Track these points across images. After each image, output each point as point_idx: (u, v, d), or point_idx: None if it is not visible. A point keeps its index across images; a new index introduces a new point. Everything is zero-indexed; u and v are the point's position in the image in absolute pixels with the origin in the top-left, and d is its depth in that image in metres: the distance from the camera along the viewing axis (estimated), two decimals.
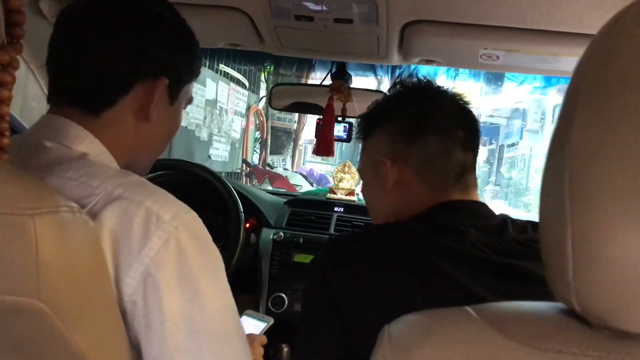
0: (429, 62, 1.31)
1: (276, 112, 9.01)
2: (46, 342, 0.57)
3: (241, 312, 1.66)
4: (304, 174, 7.44)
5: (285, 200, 2.02)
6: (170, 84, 0.82)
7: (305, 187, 6.24)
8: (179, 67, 0.84)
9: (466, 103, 0.96)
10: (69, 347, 0.57)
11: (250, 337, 1.19)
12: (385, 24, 1.12)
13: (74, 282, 0.58)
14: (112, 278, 0.66)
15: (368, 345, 0.72)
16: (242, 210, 1.60)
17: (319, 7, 1.08)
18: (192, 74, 0.89)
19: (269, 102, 1.72)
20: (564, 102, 0.41)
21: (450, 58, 1.29)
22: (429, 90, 0.97)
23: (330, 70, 1.54)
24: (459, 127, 0.92)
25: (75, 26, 0.78)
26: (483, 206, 0.91)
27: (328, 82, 1.54)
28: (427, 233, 0.79)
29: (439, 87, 0.97)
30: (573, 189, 0.38)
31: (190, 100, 0.93)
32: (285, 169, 8.78)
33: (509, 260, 0.80)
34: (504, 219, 0.88)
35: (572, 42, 1.04)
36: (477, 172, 0.93)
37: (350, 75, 1.54)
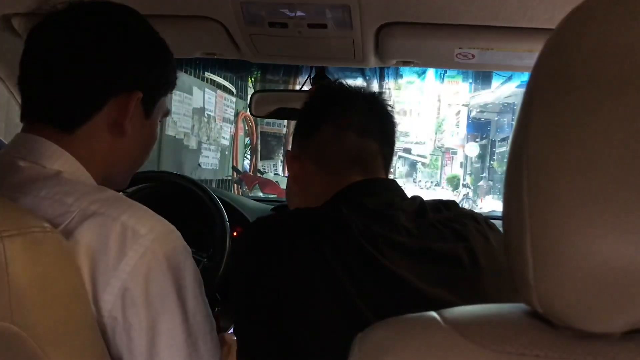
0: (405, 63, 1.31)
1: None
2: None
3: (230, 320, 1.66)
4: None
5: (272, 206, 2.01)
6: (145, 97, 0.82)
7: None
8: (152, 80, 0.84)
9: (374, 95, 0.99)
10: None
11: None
12: (359, 27, 1.12)
13: (48, 303, 0.57)
14: (90, 296, 0.66)
15: (305, 338, 0.72)
16: (227, 219, 1.59)
17: (292, 14, 1.08)
18: (168, 86, 0.89)
19: (250, 109, 1.71)
20: (523, 101, 0.41)
21: (426, 58, 1.30)
22: (332, 89, 1.03)
23: (310, 75, 1.54)
24: (354, 114, 0.95)
25: (45, 44, 0.78)
26: (390, 183, 0.94)
27: (308, 87, 1.54)
28: (357, 220, 0.79)
29: (350, 87, 1.01)
30: (531, 189, 0.38)
31: (167, 113, 0.92)
32: (277, 174, 8.77)
33: (436, 245, 0.80)
34: (420, 201, 0.89)
35: (544, 38, 1.04)
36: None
37: (330, 79, 1.55)
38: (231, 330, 1.55)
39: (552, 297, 0.38)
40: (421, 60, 1.30)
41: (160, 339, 0.69)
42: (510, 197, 0.41)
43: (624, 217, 0.35)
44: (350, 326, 0.67)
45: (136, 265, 0.67)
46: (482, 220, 0.89)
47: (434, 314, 0.44)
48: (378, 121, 0.97)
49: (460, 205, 0.93)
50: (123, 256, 0.67)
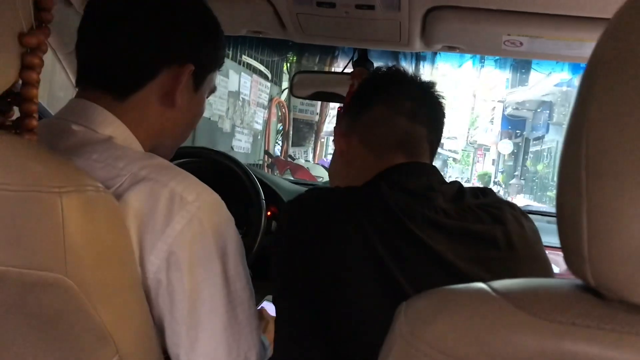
0: (451, 48, 1.30)
1: (298, 104, 9.03)
2: (72, 317, 0.58)
3: (262, 297, 1.68)
4: (326, 165, 7.45)
5: (307, 189, 2.02)
6: (196, 70, 0.83)
7: (326, 178, 6.25)
8: (204, 55, 0.85)
9: (428, 84, 1.00)
10: (94, 322, 0.59)
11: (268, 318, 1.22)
12: (407, 10, 1.11)
13: (99, 260, 0.59)
14: (137, 257, 0.68)
15: (345, 316, 0.73)
16: (263, 198, 1.61)
17: None
18: (217, 62, 0.90)
19: (291, 90, 1.72)
20: (583, 77, 0.41)
21: (473, 45, 1.28)
22: (388, 73, 1.03)
23: (352, 58, 1.54)
24: (407, 99, 0.96)
25: (105, 12, 0.80)
26: (432, 168, 0.95)
27: (350, 70, 1.54)
28: (397, 197, 0.80)
29: (406, 72, 1.02)
30: (589, 161, 0.38)
31: (213, 90, 0.94)
32: (307, 161, 8.80)
33: (474, 226, 0.82)
34: (459, 185, 0.91)
35: (596, 28, 1.02)
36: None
37: (372, 63, 1.54)
38: (262, 305, 1.58)
39: (606, 270, 0.38)
40: (467, 47, 1.29)
41: (201, 304, 0.71)
42: (566, 172, 0.41)
43: None
44: (389, 299, 0.68)
45: (182, 230, 0.69)
46: (517, 208, 0.91)
47: (482, 284, 0.44)
48: (429, 108, 0.98)
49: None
50: (170, 221, 0.69)
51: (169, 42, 0.80)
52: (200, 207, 0.71)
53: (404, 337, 0.44)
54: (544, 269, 0.87)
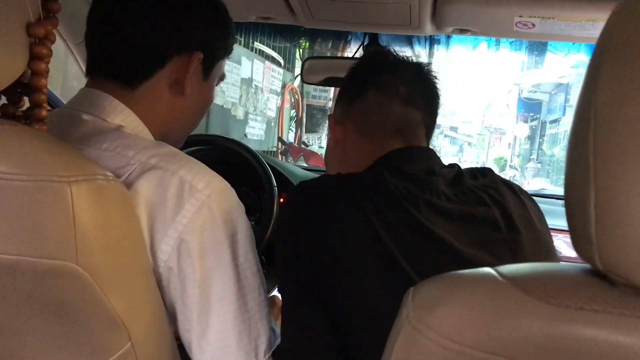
0: (462, 31, 1.28)
1: (311, 90, 8.99)
2: (84, 305, 0.59)
3: (274, 284, 1.69)
4: None
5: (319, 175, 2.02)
6: (205, 58, 0.83)
7: None
8: (213, 42, 0.86)
9: (421, 66, 0.99)
10: (106, 310, 0.60)
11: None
12: None
13: (110, 248, 0.60)
14: (148, 245, 0.69)
15: (349, 307, 0.73)
16: (275, 185, 1.61)
17: None
18: (226, 50, 0.90)
19: (302, 76, 1.71)
20: (591, 59, 0.41)
21: (484, 27, 1.27)
22: (379, 57, 1.02)
23: (363, 43, 1.53)
24: (401, 83, 0.94)
25: (113, 1, 0.80)
26: (430, 151, 0.94)
27: (360, 55, 1.53)
28: (398, 182, 0.80)
29: (397, 55, 1.00)
30: (597, 145, 0.38)
31: (222, 77, 0.94)
32: (321, 147, 8.77)
33: (474, 209, 0.81)
34: (458, 168, 0.90)
35: (609, 8, 1.00)
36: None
37: (384, 47, 1.53)
38: (275, 292, 1.59)
39: (614, 254, 0.38)
40: (479, 29, 1.27)
41: (212, 291, 0.72)
42: (574, 155, 0.41)
43: None
44: (393, 285, 0.68)
45: (193, 218, 0.70)
46: (516, 187, 0.90)
47: (489, 269, 0.44)
48: (423, 91, 0.97)
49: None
50: (180, 209, 0.69)
51: (178, 31, 0.80)
52: (210, 194, 0.71)
53: (411, 322, 0.44)
54: (547, 250, 0.86)
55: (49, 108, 0.64)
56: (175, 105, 0.84)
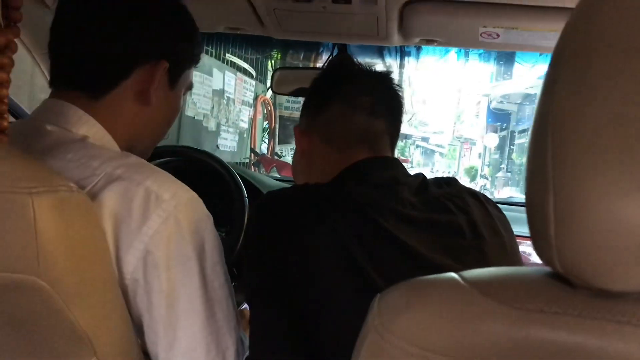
0: (429, 42, 1.30)
1: (284, 101, 8.99)
2: (47, 319, 0.58)
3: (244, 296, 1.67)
4: None
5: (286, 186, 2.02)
6: (171, 68, 0.83)
7: None
8: (179, 52, 0.85)
9: (384, 75, 1.00)
10: (69, 324, 0.59)
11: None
12: (383, 3, 1.11)
13: (73, 260, 0.59)
14: (113, 257, 0.68)
15: (320, 314, 0.73)
16: (246, 196, 1.60)
17: None
18: (193, 59, 0.90)
19: (272, 86, 1.71)
20: (548, 68, 0.42)
21: (450, 37, 1.29)
22: (342, 68, 1.04)
23: (332, 53, 1.54)
24: (364, 94, 0.95)
25: (77, 10, 0.79)
26: (395, 161, 0.95)
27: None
28: (364, 191, 0.81)
29: (359, 65, 1.01)
30: (555, 150, 0.38)
31: (190, 87, 0.94)
32: None
33: (439, 216, 0.82)
34: (423, 177, 0.91)
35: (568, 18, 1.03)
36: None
37: (352, 58, 1.54)
38: (245, 305, 1.57)
39: (573, 256, 0.38)
40: (445, 39, 1.29)
41: (179, 303, 0.71)
42: (534, 161, 0.42)
43: None
44: (361, 294, 0.68)
45: (159, 229, 0.69)
46: (481, 196, 0.92)
47: (453, 274, 0.44)
48: (387, 101, 0.98)
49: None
50: (146, 220, 0.68)
51: (142, 40, 0.79)
52: (176, 205, 0.70)
53: (376, 329, 0.44)
54: (512, 256, 0.87)
55: (12, 119, 0.63)
56: (141, 116, 0.83)
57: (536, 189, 0.41)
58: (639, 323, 0.38)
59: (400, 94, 1.00)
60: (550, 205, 0.39)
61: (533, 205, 0.41)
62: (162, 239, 0.69)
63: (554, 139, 0.39)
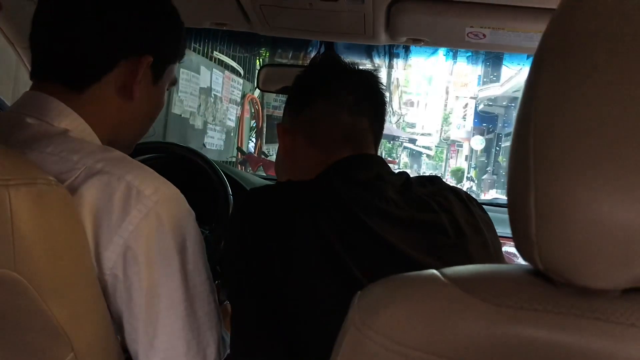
0: (416, 41, 1.30)
1: (272, 100, 8.98)
2: (24, 314, 0.57)
3: None
4: None
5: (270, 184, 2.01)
6: (155, 62, 0.82)
7: None
8: (163, 46, 0.84)
9: (367, 74, 0.99)
10: (46, 319, 0.58)
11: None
12: (371, 2, 1.11)
13: (51, 254, 0.58)
14: (93, 252, 0.67)
15: (302, 309, 0.72)
16: (230, 193, 1.59)
17: None
18: (177, 54, 0.89)
19: (258, 83, 1.70)
20: (530, 68, 0.42)
21: (437, 37, 1.29)
22: (326, 66, 1.02)
23: (319, 52, 1.54)
24: (348, 92, 0.95)
25: (58, 2, 0.78)
26: (379, 159, 0.95)
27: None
28: (348, 189, 0.81)
29: (343, 62, 1.00)
30: (536, 148, 0.39)
31: (174, 82, 0.93)
32: None
33: (422, 215, 0.82)
34: (407, 176, 0.91)
35: None
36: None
37: (339, 57, 1.54)
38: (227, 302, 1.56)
39: (554, 254, 0.39)
40: (431, 39, 1.29)
41: (159, 300, 0.70)
42: (516, 156, 0.42)
43: (627, 175, 0.36)
44: (344, 291, 0.68)
45: (139, 225, 0.68)
46: (464, 195, 0.92)
47: (434, 271, 0.44)
48: (370, 99, 0.97)
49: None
50: (126, 215, 0.67)
51: (126, 34, 0.79)
52: (157, 201, 0.70)
53: (355, 325, 0.44)
54: (495, 254, 0.87)
55: None
56: (123, 110, 0.82)
57: (518, 187, 0.41)
58: (619, 320, 0.38)
59: (384, 92, 1.00)
60: (532, 203, 0.39)
61: (515, 204, 0.41)
62: (143, 234, 0.68)
63: (536, 137, 0.39)
